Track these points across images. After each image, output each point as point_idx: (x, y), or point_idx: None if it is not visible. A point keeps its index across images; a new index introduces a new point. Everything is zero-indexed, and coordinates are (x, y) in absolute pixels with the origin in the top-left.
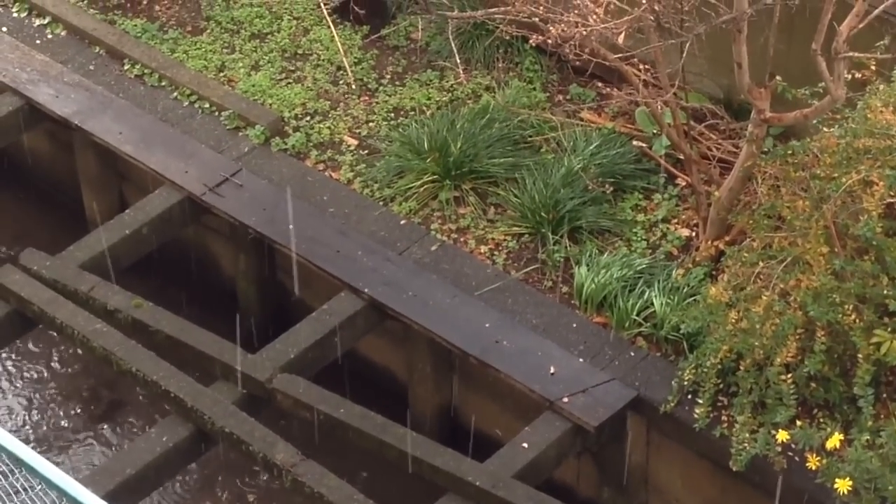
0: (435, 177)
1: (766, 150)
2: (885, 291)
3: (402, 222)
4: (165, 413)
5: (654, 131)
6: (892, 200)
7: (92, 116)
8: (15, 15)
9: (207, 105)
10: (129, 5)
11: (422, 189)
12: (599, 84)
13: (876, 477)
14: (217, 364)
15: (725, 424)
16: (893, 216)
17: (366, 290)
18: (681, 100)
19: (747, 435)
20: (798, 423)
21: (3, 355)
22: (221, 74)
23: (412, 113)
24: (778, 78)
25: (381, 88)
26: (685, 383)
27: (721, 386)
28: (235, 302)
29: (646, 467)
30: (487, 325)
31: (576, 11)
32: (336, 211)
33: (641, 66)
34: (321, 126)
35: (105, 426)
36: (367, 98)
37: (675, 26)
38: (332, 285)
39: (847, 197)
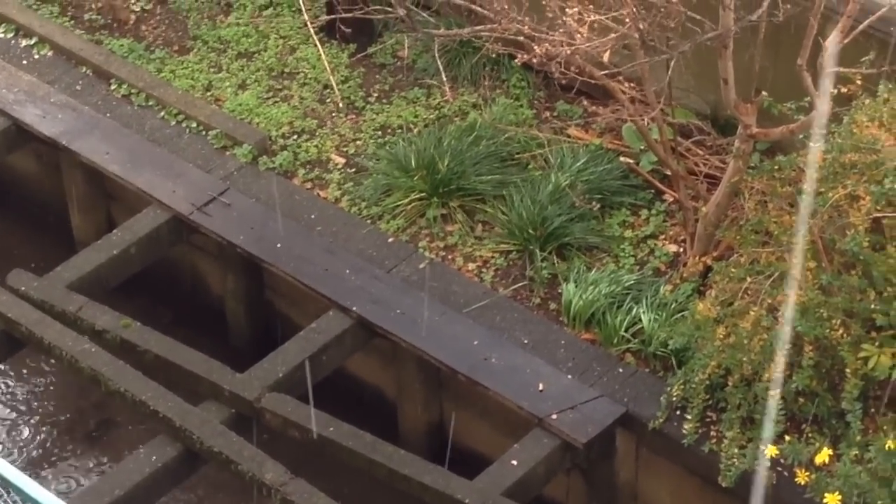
0: (422, 194)
1: (752, 165)
2: (872, 306)
3: (390, 240)
4: (154, 433)
5: (641, 147)
6: (878, 215)
7: (79, 137)
8: (1, 35)
9: (194, 124)
10: (115, 25)
11: (409, 207)
12: (586, 101)
13: (865, 491)
14: (205, 383)
15: (714, 440)
16: (880, 230)
17: (354, 309)
18: (667, 116)
19: (736, 450)
20: (787, 438)
21: None
22: (208, 94)
23: (399, 131)
24: (764, 93)
25: (368, 106)
26: (674, 399)
27: (710, 401)
28: (224, 321)
29: (635, 483)
30: (476, 342)
31: (561, 30)
32: (324, 229)
33: (628, 83)
34: (308, 145)
35: (93, 447)
36: (354, 116)
37: (661, 44)
38: (320, 304)
39: (834, 212)
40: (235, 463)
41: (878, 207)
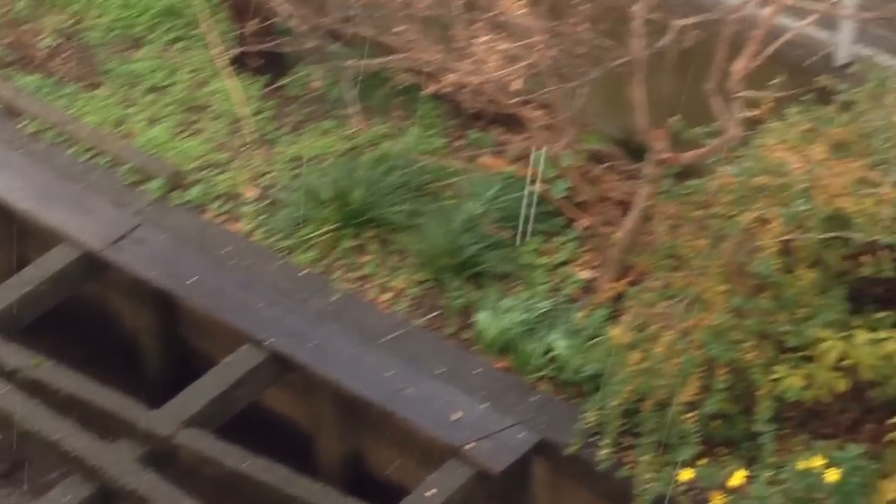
0: (336, 225)
1: (664, 189)
2: (783, 328)
3: (304, 272)
4: (68, 472)
5: (554, 174)
6: (788, 237)
7: None
8: None
9: (106, 160)
10: (24, 61)
11: (323, 238)
12: (498, 129)
13: None
14: (119, 421)
15: (630, 465)
16: (790, 252)
17: (268, 342)
18: (579, 142)
19: (651, 475)
20: (702, 461)
21: None
22: (120, 129)
23: (312, 162)
24: (674, 118)
25: (280, 138)
26: (589, 425)
27: (625, 427)
28: (138, 358)
29: None
30: (391, 373)
31: (471, 59)
32: (237, 263)
33: (539, 110)
34: (221, 178)
35: (6, 488)
36: (267, 148)
37: (572, 71)
38: (234, 338)
39: (744, 235)
40: (150, 501)
41: (788, 230)
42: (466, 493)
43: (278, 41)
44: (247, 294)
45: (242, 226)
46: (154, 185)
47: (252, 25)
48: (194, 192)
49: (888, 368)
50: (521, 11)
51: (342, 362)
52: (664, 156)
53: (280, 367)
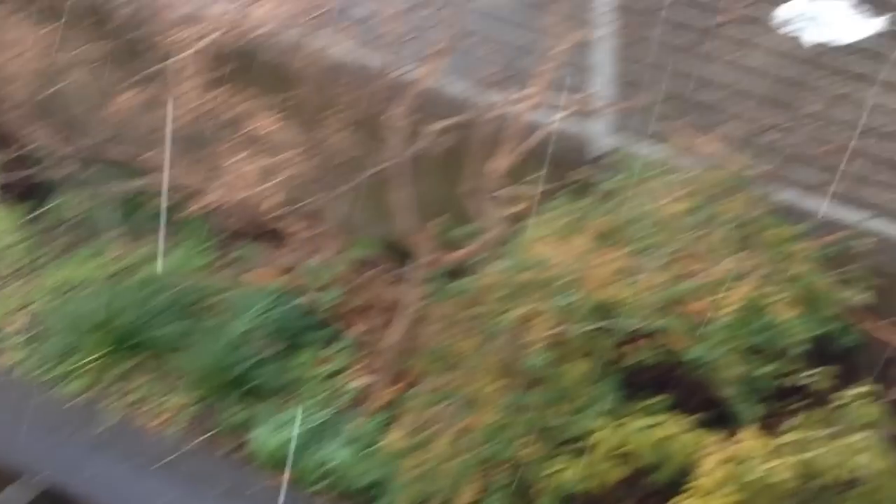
0: (106, 351)
1: (435, 290)
2: (559, 420)
3: (75, 402)
4: None
5: (323, 284)
6: (556, 330)
7: None
8: None
9: None
10: None
11: (94, 364)
12: (265, 243)
13: None
14: None
15: None
16: (561, 345)
17: (40, 478)
18: (347, 249)
19: None
20: None
21: None
22: None
23: (79, 288)
24: (440, 219)
25: (46, 266)
26: None
27: None
28: None
29: None
30: (168, 497)
31: (229, 176)
32: (3, 399)
33: (305, 220)
34: None
35: None
36: (31, 277)
37: (333, 179)
38: (3, 477)
39: (514, 331)
40: None
41: (557, 322)
42: None
43: (37, 168)
44: (14, 430)
45: (8, 359)
46: None
47: (9, 153)
48: None
49: (662, 453)
50: (276, 126)
51: (117, 492)
52: (430, 258)
53: (52, 502)
